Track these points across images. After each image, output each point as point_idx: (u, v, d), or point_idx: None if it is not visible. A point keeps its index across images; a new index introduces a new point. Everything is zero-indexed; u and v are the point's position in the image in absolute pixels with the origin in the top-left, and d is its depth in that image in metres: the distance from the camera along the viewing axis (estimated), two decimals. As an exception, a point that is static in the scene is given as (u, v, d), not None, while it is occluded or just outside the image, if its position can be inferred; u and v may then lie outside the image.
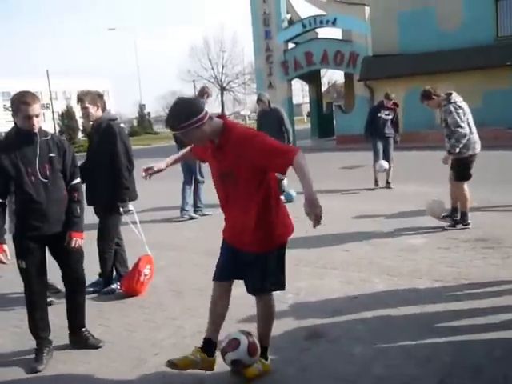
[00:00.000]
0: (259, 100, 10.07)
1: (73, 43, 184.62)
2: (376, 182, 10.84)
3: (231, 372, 3.55)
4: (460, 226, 6.93)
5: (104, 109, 5.28)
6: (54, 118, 45.87)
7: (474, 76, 19.09)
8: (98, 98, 5.23)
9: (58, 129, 43.09)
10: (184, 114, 3.18)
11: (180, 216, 8.97)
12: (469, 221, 6.94)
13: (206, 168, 9.21)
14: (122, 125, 5.50)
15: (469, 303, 4.46)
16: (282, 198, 10.03)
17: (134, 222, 5.47)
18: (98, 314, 4.89)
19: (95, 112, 5.19)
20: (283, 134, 9.60)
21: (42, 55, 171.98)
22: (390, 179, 10.75)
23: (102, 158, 5.17)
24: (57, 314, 4.56)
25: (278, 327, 3.95)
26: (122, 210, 5.26)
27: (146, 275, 5.31)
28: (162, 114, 69.68)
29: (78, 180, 4.17)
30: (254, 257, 3.39)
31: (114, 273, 5.54)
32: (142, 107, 63.18)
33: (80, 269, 4.24)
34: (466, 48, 19.45)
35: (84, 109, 5.16)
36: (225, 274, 3.52)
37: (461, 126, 6.63)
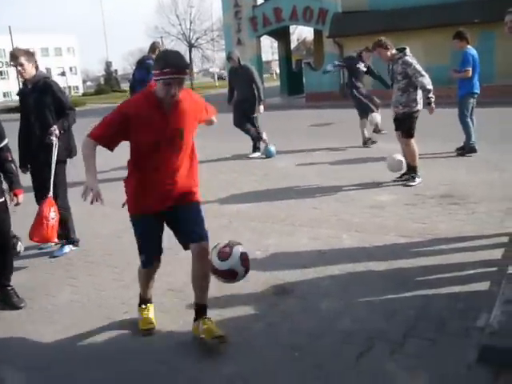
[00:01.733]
0: (229, 58, 10.13)
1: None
2: (366, 139, 10.39)
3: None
4: (415, 181, 7.13)
5: (37, 67, 5.24)
6: (18, 76, 44.44)
7: (442, 33, 19.04)
8: (31, 55, 5.17)
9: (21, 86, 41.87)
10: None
11: None
12: (419, 174, 7.21)
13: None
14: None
15: (434, 258, 4.55)
16: (258, 154, 10.08)
17: None
18: (66, 275, 4.86)
19: (30, 69, 5.12)
20: (254, 91, 9.66)
21: (3, 11, 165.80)
22: (366, 133, 10.45)
23: (45, 115, 5.15)
24: (24, 275, 4.52)
25: (246, 284, 3.98)
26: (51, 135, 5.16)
27: (52, 218, 5.06)
28: (130, 71, 68.20)
29: (7, 141, 4.32)
30: (193, 207, 3.50)
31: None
32: (108, 64, 61.88)
33: (6, 227, 4.28)
34: (435, 5, 19.35)
35: (21, 65, 5.05)
36: (158, 251, 3.65)
37: (424, 75, 6.84)
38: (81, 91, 70.17)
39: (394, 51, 7.04)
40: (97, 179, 3.31)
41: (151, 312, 3.79)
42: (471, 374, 2.93)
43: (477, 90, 8.84)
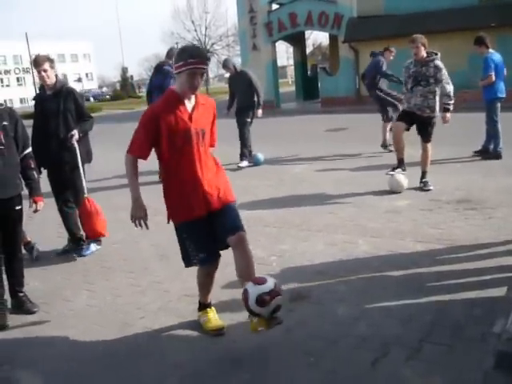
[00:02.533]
0: (224, 66, 10.06)
1: (51, 5, 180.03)
2: (386, 142, 10.14)
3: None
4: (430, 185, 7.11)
5: (57, 74, 5.38)
6: (34, 83, 45.04)
7: (459, 38, 18.95)
8: (53, 62, 5.33)
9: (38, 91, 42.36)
10: None
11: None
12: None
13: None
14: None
15: (451, 264, 4.53)
16: (245, 163, 9.93)
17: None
18: (82, 280, 4.91)
19: (53, 76, 5.27)
20: (253, 96, 9.67)
21: (19, 18, 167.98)
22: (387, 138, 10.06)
23: (67, 120, 5.29)
24: (42, 280, 4.57)
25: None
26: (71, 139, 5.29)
27: (102, 213, 5.35)
28: (145, 77, 68.59)
29: (30, 149, 4.41)
30: (229, 207, 3.54)
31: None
32: (124, 70, 62.22)
33: (20, 232, 4.41)
34: (451, 9, 19.26)
35: (45, 71, 5.19)
36: (216, 246, 3.57)
37: (450, 82, 6.86)
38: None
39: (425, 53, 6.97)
40: (140, 199, 3.52)
41: (215, 312, 3.82)
42: (488, 380, 2.91)
43: (501, 94, 8.75)
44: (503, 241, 4.97)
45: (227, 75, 10.25)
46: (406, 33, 19.32)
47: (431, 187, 7.08)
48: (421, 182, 7.21)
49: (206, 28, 57.71)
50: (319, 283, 4.36)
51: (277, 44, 26.30)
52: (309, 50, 44.00)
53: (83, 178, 5.37)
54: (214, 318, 3.76)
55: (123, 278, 4.86)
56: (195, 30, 57.90)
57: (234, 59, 19.23)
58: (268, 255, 5.01)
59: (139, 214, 3.49)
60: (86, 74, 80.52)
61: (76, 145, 5.26)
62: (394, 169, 7.12)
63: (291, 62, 39.69)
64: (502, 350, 3.04)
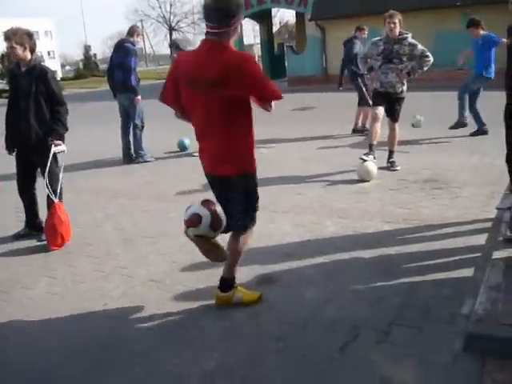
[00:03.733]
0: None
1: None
2: (358, 125, 10.03)
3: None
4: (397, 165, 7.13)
5: (33, 50, 5.02)
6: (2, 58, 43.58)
7: (425, 16, 19.01)
8: (26, 37, 4.94)
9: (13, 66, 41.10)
10: None
11: (135, 160, 8.81)
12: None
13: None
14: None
15: (419, 244, 4.51)
16: None
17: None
18: (43, 266, 4.73)
19: (22, 53, 4.92)
20: None
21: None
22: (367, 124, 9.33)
23: (39, 102, 4.99)
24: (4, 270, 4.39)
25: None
26: (54, 148, 5.07)
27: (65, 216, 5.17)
28: (109, 55, 67.27)
29: None
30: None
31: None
32: (87, 48, 60.81)
33: None
34: (417, -13, 19.27)
35: (10, 48, 4.89)
36: None
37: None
38: (59, 76, 69.09)
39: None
40: None
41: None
42: (457, 362, 2.89)
43: (491, 75, 8.88)
44: (471, 220, 4.99)
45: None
46: (372, 11, 19.45)
47: (398, 167, 7.07)
48: (388, 162, 7.20)
49: (171, 5, 56.79)
50: (287, 265, 4.29)
51: (243, 22, 25.98)
52: (276, 28, 43.64)
53: (47, 168, 5.08)
54: (245, 290, 3.72)
55: (86, 264, 4.70)
56: (160, 7, 57.03)
57: (199, 37, 18.83)
58: (235, 238, 4.92)
59: None
60: (48, 52, 78.25)
61: (54, 149, 5.05)
62: (366, 154, 6.93)
63: (258, 40, 39.33)
64: (471, 331, 3.02)
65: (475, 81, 9.01)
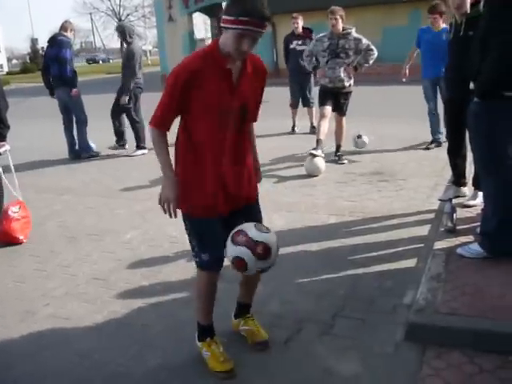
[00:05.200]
0: (116, 30, 9.00)
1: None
2: (294, 126, 9.82)
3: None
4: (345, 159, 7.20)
5: None
6: None
7: (374, 11, 19.31)
8: None
9: None
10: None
11: (81, 155, 8.62)
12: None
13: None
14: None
15: (364, 236, 4.57)
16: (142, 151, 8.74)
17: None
18: (-18, 266, 4.57)
19: None
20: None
21: None
22: (314, 122, 9.25)
23: None
24: None
25: (173, 268, 3.86)
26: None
27: (15, 212, 5.01)
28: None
29: None
30: (252, 209, 2.94)
31: None
32: (34, 42, 59.28)
33: None
34: (365, -18, 19.55)
35: None
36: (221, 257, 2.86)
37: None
38: (5, 70, 67.07)
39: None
40: (176, 185, 2.67)
41: (220, 345, 2.95)
42: (399, 352, 2.94)
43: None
44: (415, 211, 5.09)
45: (145, 47, 9.32)
46: (321, 6, 19.56)
47: (345, 161, 7.15)
48: (335, 156, 7.27)
49: (121, -2, 55.88)
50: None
51: (194, 16, 25.80)
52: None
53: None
54: (217, 354, 2.90)
55: (28, 263, 4.56)
56: (109, 0, 55.97)
57: (152, 31, 18.45)
58: (181, 232, 4.86)
59: (173, 201, 2.68)
60: (-7, 46, 75.94)
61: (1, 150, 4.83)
62: (315, 149, 6.81)
63: (209, 34, 39.13)
64: (412, 321, 3.08)
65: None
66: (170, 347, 3.14)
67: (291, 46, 9.48)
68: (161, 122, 2.63)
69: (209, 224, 2.76)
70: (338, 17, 6.80)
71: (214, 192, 2.70)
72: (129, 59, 8.31)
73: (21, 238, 4.98)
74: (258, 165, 3.07)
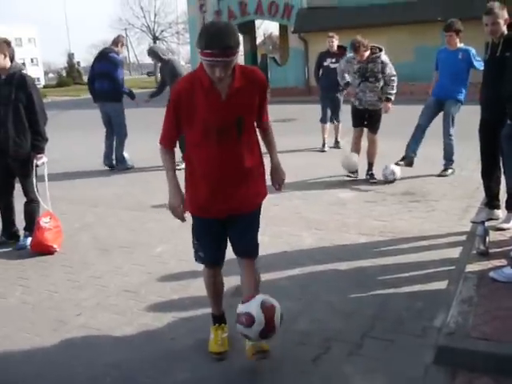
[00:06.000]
0: (149, 54, 9.08)
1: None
2: (324, 144, 9.75)
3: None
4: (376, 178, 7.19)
5: (12, 58, 4.98)
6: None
7: (406, 31, 19.27)
8: (5, 45, 4.92)
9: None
10: (237, 35, 2.66)
11: (116, 167, 8.85)
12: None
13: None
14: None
15: (394, 257, 4.54)
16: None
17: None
18: (17, 274, 4.67)
19: (2, 61, 4.87)
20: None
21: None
22: (339, 137, 9.84)
23: (18, 110, 4.93)
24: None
25: (202, 283, 3.86)
26: (37, 161, 5.06)
27: (46, 222, 5.12)
28: (93, 63, 66.86)
29: None
30: (252, 214, 3.11)
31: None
32: (70, 56, 60.59)
33: None
34: (399, 2, 19.55)
35: None
36: (219, 256, 3.20)
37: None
38: (42, 83, 68.65)
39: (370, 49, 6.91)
40: (179, 193, 3.03)
41: (225, 332, 3.29)
42: (428, 375, 2.91)
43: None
44: (445, 233, 5.03)
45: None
46: (354, 25, 19.68)
47: (377, 179, 7.13)
48: (367, 174, 7.25)
49: (155, 15, 56.78)
50: (262, 277, 4.25)
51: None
52: (259, 39, 43.88)
53: (33, 179, 5.11)
54: (218, 337, 3.24)
55: (61, 273, 4.65)
56: (144, 17, 56.95)
57: (185, 47, 18.62)
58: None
59: (177, 211, 3.04)
60: (32, 60, 77.72)
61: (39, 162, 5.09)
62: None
63: (242, 51, 39.51)
64: (442, 344, 3.05)
65: (455, 108, 7.25)
66: (198, 361, 3.16)
67: (325, 64, 9.63)
68: (163, 139, 2.99)
69: (205, 223, 3.07)
70: (362, 50, 6.78)
71: (207, 199, 2.96)
72: (175, 74, 8.33)
73: (54, 246, 5.08)
74: (277, 163, 3.24)
